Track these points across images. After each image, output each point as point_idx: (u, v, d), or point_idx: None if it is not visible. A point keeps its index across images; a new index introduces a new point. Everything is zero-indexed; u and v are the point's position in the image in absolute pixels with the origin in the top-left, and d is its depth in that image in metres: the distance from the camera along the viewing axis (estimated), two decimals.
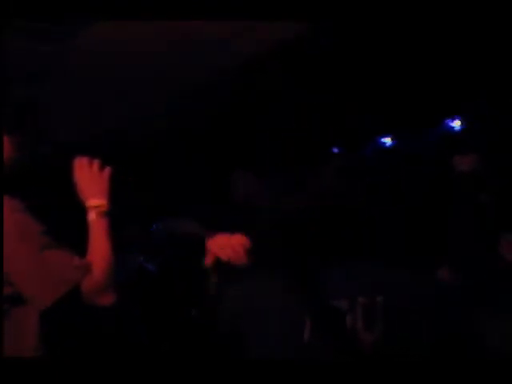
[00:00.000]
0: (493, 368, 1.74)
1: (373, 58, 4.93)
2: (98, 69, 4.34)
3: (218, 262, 2.47)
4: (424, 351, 1.53)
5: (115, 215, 2.24)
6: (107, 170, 2.25)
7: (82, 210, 2.24)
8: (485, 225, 3.69)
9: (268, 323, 1.64)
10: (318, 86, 5.23)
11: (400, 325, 1.53)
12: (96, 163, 2.25)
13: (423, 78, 5.23)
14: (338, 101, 5.52)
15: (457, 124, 5.90)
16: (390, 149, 6.29)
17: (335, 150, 6.26)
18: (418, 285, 1.63)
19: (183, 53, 4.32)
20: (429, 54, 4.90)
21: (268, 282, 1.73)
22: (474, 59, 4.93)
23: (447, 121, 5.92)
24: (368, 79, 5.19)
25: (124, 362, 2.02)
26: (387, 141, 6.30)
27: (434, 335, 1.55)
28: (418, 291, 1.61)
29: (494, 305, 3.53)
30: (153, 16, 3.34)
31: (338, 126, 5.97)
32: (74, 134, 5.03)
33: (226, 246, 2.22)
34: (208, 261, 4.01)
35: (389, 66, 5.04)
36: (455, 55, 4.90)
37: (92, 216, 2.20)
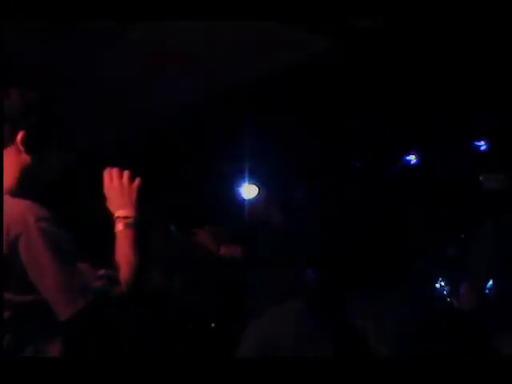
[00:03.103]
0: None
1: (400, 75, 4.92)
2: (127, 74, 4.37)
3: None
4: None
5: (142, 226, 2.24)
6: (137, 182, 2.26)
7: (109, 221, 2.25)
8: (507, 243, 3.66)
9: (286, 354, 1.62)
10: (342, 101, 5.23)
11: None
12: (126, 174, 2.25)
13: (451, 96, 5.21)
14: (362, 117, 5.52)
15: (482, 143, 5.88)
16: (414, 167, 6.26)
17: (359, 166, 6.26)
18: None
19: (210, 54, 4.35)
20: (458, 73, 4.89)
21: (292, 305, 1.72)
22: (500, 77, 4.91)
23: (473, 140, 5.90)
24: (395, 96, 5.18)
25: (131, 378, 2.01)
26: (412, 158, 6.27)
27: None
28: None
29: None
30: (162, 17, 3.37)
31: (362, 142, 5.97)
32: (101, 143, 5.06)
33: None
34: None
35: (416, 83, 5.03)
36: (481, 73, 4.89)
37: (119, 227, 2.20)
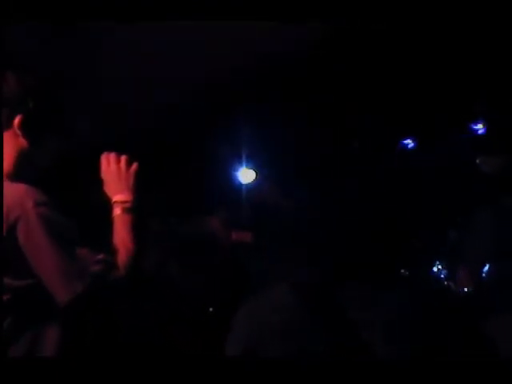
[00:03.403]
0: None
1: (396, 61, 4.93)
2: (123, 66, 4.38)
3: None
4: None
5: (140, 211, 2.25)
6: (134, 166, 2.26)
7: (107, 206, 2.25)
8: (504, 227, 3.68)
9: (277, 338, 1.63)
10: (342, 88, 5.24)
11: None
12: (123, 159, 2.26)
13: (447, 80, 5.22)
14: (359, 102, 5.53)
15: (480, 126, 5.89)
16: (412, 150, 6.28)
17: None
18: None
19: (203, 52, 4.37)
20: (453, 57, 4.89)
21: (283, 294, 1.72)
22: (497, 62, 4.91)
23: (471, 123, 5.91)
24: (392, 82, 5.19)
25: (128, 363, 2.02)
26: (409, 142, 6.28)
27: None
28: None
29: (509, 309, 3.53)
30: (157, 17, 3.38)
31: (358, 128, 5.98)
32: (101, 129, 5.07)
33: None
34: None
35: (414, 69, 5.03)
36: (477, 59, 4.89)
37: (117, 211, 2.21)
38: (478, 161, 3.82)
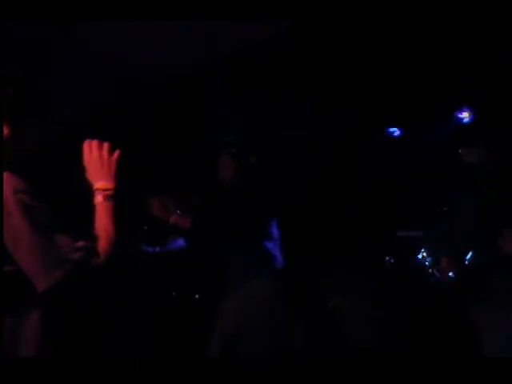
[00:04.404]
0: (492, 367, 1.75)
1: (384, 49, 4.93)
2: (108, 47, 4.39)
3: None
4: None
5: (121, 198, 2.25)
6: (116, 154, 2.26)
7: (88, 193, 2.25)
8: (486, 217, 3.71)
9: (259, 330, 1.63)
10: (328, 76, 5.25)
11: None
12: (105, 146, 2.26)
13: (433, 70, 5.23)
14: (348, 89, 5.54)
15: (465, 116, 5.91)
16: (397, 139, 6.29)
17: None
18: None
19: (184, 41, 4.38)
20: (439, 46, 4.90)
21: (258, 286, 1.72)
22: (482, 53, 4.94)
23: (456, 113, 5.92)
24: (379, 71, 5.20)
25: (123, 359, 2.02)
26: (395, 130, 6.29)
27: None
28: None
29: (493, 299, 3.55)
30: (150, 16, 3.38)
31: (346, 115, 5.99)
32: (82, 116, 5.07)
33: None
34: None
35: (400, 58, 5.04)
36: (464, 48, 4.91)
37: (99, 198, 2.21)
38: (460, 151, 3.84)
